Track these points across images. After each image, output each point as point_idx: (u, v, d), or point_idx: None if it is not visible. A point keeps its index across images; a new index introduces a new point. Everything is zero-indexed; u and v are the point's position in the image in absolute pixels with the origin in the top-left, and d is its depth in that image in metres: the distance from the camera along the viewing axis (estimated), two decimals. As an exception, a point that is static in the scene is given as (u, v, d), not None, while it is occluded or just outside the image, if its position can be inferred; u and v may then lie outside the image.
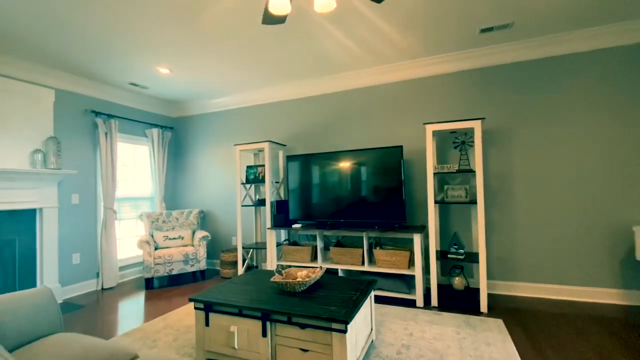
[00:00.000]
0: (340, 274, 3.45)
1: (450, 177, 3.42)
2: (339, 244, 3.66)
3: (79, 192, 3.85)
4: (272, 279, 2.24)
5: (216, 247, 4.84)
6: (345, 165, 3.59)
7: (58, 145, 3.49)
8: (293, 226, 3.70)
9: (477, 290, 3.15)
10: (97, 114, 4.00)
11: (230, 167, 4.75)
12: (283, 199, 4.22)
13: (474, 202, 3.01)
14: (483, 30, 2.96)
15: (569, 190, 3.09)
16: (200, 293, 2.27)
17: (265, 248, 3.90)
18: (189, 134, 5.12)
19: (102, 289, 3.97)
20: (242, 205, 4.04)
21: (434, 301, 3.01)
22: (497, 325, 2.56)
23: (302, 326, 1.88)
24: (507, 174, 3.29)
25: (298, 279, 2.28)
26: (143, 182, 4.73)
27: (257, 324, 1.99)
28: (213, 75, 3.86)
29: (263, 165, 4.07)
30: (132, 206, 4.57)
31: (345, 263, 3.45)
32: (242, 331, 2.03)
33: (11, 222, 3.20)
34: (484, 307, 2.87)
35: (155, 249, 4.11)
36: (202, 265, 4.15)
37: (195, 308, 2.18)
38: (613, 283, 2.95)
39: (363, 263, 3.39)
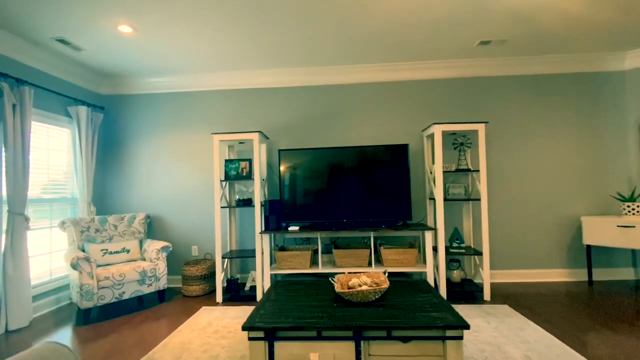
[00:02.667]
0: (346, 277, 3.21)
1: (447, 176, 3.61)
2: (336, 246, 3.43)
3: (-33, 190, 2.54)
4: (338, 290, 1.90)
5: (170, 259, 3.92)
6: (347, 162, 3.39)
7: (-61, 115, 2.22)
8: (289, 228, 3.28)
9: (471, 282, 3.39)
10: (2, 75, 2.74)
11: (190, 160, 3.93)
12: (266, 198, 3.72)
13: (472, 199, 3.25)
14: (481, 43, 3.22)
15: (536, 189, 3.63)
16: (250, 318, 1.74)
17: (249, 256, 3.34)
18: (127, 118, 4.02)
19: (7, 331, 2.70)
20: (222, 207, 3.37)
21: (443, 295, 3.10)
22: (510, 311, 2.79)
23: (405, 339, 1.63)
24: (490, 173, 3.67)
25: (363, 287, 1.99)
26: (60, 177, 3.47)
27: (346, 346, 1.64)
28: (187, 45, 3.12)
29: (247, 160, 3.49)
30: (45, 211, 3.29)
31: (350, 265, 3.23)
32: (326, 358, 1.63)
33: None
34: (487, 295, 3.10)
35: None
36: (163, 283, 3.28)
37: (251, 339, 1.66)
38: (568, 264, 3.60)
39: (370, 264, 3.24)
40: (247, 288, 3.45)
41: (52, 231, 3.37)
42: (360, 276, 2.10)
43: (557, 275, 3.59)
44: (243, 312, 2.95)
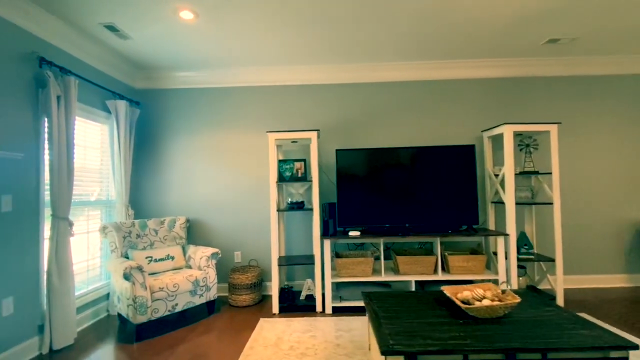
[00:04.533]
0: (413, 286, 3.03)
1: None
2: (395, 252, 3.24)
3: (12, 192, 2.24)
4: (465, 307, 1.71)
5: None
6: (409, 163, 3.21)
7: (-10, 106, 1.93)
8: (350, 233, 3.08)
9: (535, 288, 3.26)
10: (47, 63, 2.45)
11: (232, 160, 3.68)
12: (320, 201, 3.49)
13: (539, 202, 3.12)
14: (549, 41, 3.10)
15: (599, 192, 3.53)
16: (381, 339, 1.53)
17: (308, 263, 3.12)
18: (162, 114, 3.74)
19: (51, 351, 2.41)
20: (279, 210, 3.13)
21: (515, 304, 2.95)
22: (594, 320, 2.66)
23: (561, 363, 1.46)
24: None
25: (494, 303, 1.80)
26: (95, 177, 3.17)
27: (497, 371, 1.45)
28: (247, 35, 2.89)
29: (301, 160, 3.27)
30: (79, 215, 2.99)
31: (414, 273, 3.05)
32: (475, 385, 1.44)
33: None
34: (560, 303, 2.97)
35: (144, 277, 2.76)
36: (213, 293, 3.03)
37: (389, 364, 1.45)
38: (630, 269, 3.51)
39: (436, 271, 3.07)
40: (302, 297, 3.23)
41: (87, 237, 3.07)
42: (473, 288, 1.92)
43: (618, 280, 3.49)
44: (309, 324, 2.73)
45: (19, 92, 2.30)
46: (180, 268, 3.13)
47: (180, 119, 3.72)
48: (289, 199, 3.29)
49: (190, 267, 3.16)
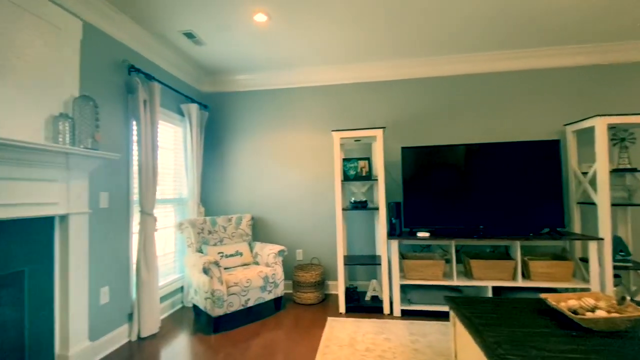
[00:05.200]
0: (489, 293, 2.84)
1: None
2: (468, 256, 3.06)
3: (109, 190, 2.44)
4: (579, 318, 1.54)
5: (272, 263, 3.72)
6: (481, 160, 3.02)
7: (95, 110, 2.12)
8: (418, 234, 2.96)
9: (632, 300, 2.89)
10: (135, 70, 2.64)
11: (293, 159, 3.72)
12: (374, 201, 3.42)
13: (635, 204, 2.76)
14: (650, 20, 2.74)
15: None
16: (489, 350, 1.42)
17: (373, 264, 3.05)
18: (227, 117, 3.89)
19: (139, 338, 2.59)
20: (344, 209, 3.10)
21: (611, 317, 2.64)
22: None
23: None
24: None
25: (612, 315, 1.61)
26: (170, 176, 3.36)
27: (630, 393, 1.27)
28: (316, 35, 2.89)
29: (366, 159, 3.22)
30: (157, 211, 3.19)
31: (490, 278, 2.86)
32: (604, 407, 1.28)
33: (16, 241, 1.76)
34: (668, 320, 2.60)
35: (218, 271, 2.88)
36: (281, 290, 3.07)
37: (499, 375, 1.34)
38: None
39: (515, 277, 2.84)
40: (367, 298, 3.17)
41: (164, 232, 3.27)
42: (580, 297, 1.73)
43: None
44: (380, 326, 2.66)
45: (113, 98, 2.51)
46: (248, 264, 3.22)
47: (245, 120, 3.84)
48: (352, 198, 3.25)
49: (257, 263, 3.25)
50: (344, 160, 3.23)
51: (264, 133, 3.80)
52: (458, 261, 3.24)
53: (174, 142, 3.45)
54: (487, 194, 2.99)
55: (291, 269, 3.65)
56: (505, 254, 3.09)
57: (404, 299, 3.03)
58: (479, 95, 3.41)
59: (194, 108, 3.40)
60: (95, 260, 2.30)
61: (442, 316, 2.85)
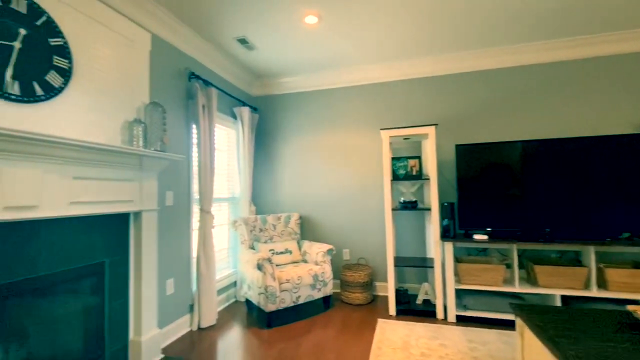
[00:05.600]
0: (557, 302, 2.61)
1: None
2: (532, 261, 2.83)
3: (173, 189, 2.63)
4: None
5: (319, 262, 3.76)
6: (545, 157, 2.78)
7: (163, 115, 2.29)
8: (475, 237, 2.81)
9: None
10: (195, 77, 2.82)
11: (339, 159, 3.73)
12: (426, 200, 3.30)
13: None
14: None
15: None
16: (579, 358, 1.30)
17: (424, 266, 2.95)
18: (274, 119, 4.01)
19: (199, 328, 2.75)
20: (393, 209, 3.04)
21: None
22: None
23: None
24: None
25: None
26: (223, 176, 3.54)
27: None
28: (365, 32, 2.87)
29: (416, 157, 3.13)
30: (214, 209, 3.36)
31: (558, 286, 2.62)
32: None
33: (98, 234, 1.96)
34: None
35: (270, 268, 2.97)
36: (329, 289, 3.09)
37: (582, 392, 1.22)
38: None
39: (588, 286, 2.58)
40: (419, 301, 3.07)
41: (217, 229, 3.44)
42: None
43: None
44: (434, 331, 2.56)
45: (176, 104, 2.69)
46: (297, 262, 3.28)
47: (292, 121, 3.92)
48: (402, 198, 3.17)
49: (306, 261, 3.30)
50: (393, 159, 3.16)
51: (311, 133, 3.85)
52: (520, 266, 3.02)
53: (227, 143, 3.63)
54: (553, 194, 2.75)
55: (338, 268, 3.66)
56: (575, 260, 2.82)
57: (459, 304, 2.89)
58: (542, 87, 3.15)
59: (245, 111, 3.55)
60: (162, 254, 2.49)
61: (502, 324, 2.67)
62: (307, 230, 3.82)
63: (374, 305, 3.21)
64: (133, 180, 2.10)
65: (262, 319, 2.89)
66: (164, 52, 2.57)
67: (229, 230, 3.56)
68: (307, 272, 2.91)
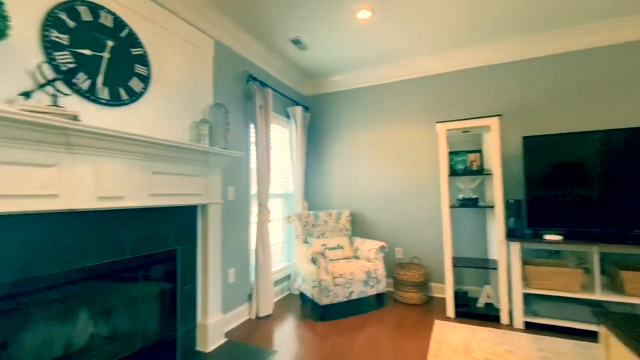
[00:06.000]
0: (651, 312, 2.27)
1: None
2: (617, 265, 2.50)
3: (234, 184, 2.80)
4: None
5: (371, 260, 3.72)
6: (630, 150, 2.44)
7: (226, 115, 2.45)
8: (546, 237, 2.56)
9: None
10: (253, 79, 2.97)
11: (391, 155, 3.65)
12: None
13: None
14: None
15: None
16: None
17: (486, 267, 2.76)
18: (324, 117, 4.05)
19: (257, 317, 2.90)
20: (451, 206, 2.90)
21: None
22: None
23: None
24: None
25: None
26: (277, 173, 3.66)
27: None
28: (417, 23, 2.77)
29: (476, 151, 2.94)
30: (270, 204, 3.49)
31: (652, 296, 2.27)
32: None
33: (171, 224, 2.16)
34: None
35: (323, 263, 3.01)
36: (382, 286, 3.04)
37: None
38: None
39: (692, 298, 2.21)
40: (480, 305, 2.89)
41: (271, 224, 3.58)
42: None
43: None
44: (499, 337, 2.39)
45: (236, 104, 2.86)
46: (349, 258, 3.29)
47: (342, 119, 3.94)
48: (460, 195, 3.00)
49: (357, 257, 3.29)
50: (451, 153, 3.01)
51: (361, 130, 3.82)
52: (601, 271, 2.69)
53: (281, 142, 3.76)
54: (637, 191, 2.40)
55: (390, 266, 3.59)
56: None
57: (527, 310, 2.66)
58: (624, 70, 2.76)
59: (298, 110, 3.64)
60: (224, 245, 2.66)
61: (577, 334, 2.40)
62: (358, 227, 3.80)
63: (430, 306, 3.09)
64: (200, 175, 2.28)
65: (316, 312, 2.95)
66: (225, 57, 2.74)
67: (283, 226, 3.69)
68: (359, 268, 2.90)
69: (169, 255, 2.17)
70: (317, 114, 4.11)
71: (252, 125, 3.04)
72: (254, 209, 3.04)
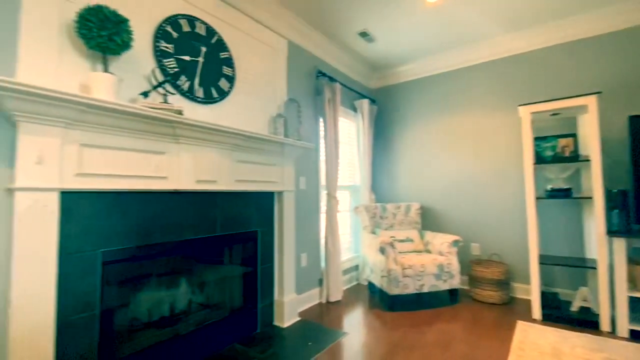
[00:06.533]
0: None
1: None
2: None
3: (305, 175, 2.97)
4: None
5: (443, 255, 3.57)
6: None
7: (298, 110, 2.62)
8: (664, 234, 2.16)
9: None
10: (322, 74, 3.10)
11: (464, 145, 3.44)
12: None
13: None
14: None
15: None
16: None
17: (580, 266, 2.43)
18: (392, 108, 4.00)
19: (328, 302, 3.02)
20: (536, 199, 2.64)
21: None
22: None
23: None
24: None
25: None
26: (345, 165, 3.74)
27: None
28: (489, 2, 2.58)
29: (569, 136, 2.62)
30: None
31: None
32: None
33: (253, 208, 2.39)
34: None
35: (391, 254, 3.00)
36: (456, 282, 2.89)
37: None
38: None
39: None
40: (574, 308, 2.57)
41: (339, 215, 3.67)
42: None
43: None
44: (597, 343, 2.10)
45: (306, 99, 3.02)
46: (419, 251, 3.21)
47: (410, 110, 3.85)
48: (548, 186, 2.69)
49: (429, 251, 3.19)
50: (536, 139, 2.73)
51: (430, 120, 3.68)
52: None
53: (348, 135, 3.84)
54: None
55: (466, 263, 3.39)
56: None
57: (634, 317, 2.28)
58: None
59: (365, 103, 3.68)
60: (297, 231, 2.84)
61: None
62: (428, 220, 3.67)
63: (511, 307, 2.85)
64: (276, 165, 2.48)
65: (384, 302, 2.95)
66: (297, 55, 2.93)
67: (351, 217, 3.76)
68: (431, 261, 2.82)
69: (251, 235, 2.41)
70: (384, 106, 4.08)
71: (321, 119, 3.17)
72: (323, 198, 3.16)
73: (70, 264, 1.45)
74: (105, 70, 1.54)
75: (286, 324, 2.46)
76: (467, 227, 3.40)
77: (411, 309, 2.82)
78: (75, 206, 1.47)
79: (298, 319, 2.58)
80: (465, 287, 3.34)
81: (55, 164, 1.36)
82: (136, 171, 1.63)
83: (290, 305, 2.52)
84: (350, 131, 3.85)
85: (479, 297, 2.99)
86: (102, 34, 1.46)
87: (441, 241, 3.01)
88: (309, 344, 2.18)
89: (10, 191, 1.32)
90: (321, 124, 3.19)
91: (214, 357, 2.02)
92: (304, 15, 2.79)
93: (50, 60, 1.43)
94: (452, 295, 2.95)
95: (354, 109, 3.79)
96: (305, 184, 2.95)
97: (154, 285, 1.96)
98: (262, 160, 2.36)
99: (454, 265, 2.89)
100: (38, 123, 1.32)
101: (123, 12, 1.71)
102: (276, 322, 2.49)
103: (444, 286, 2.85)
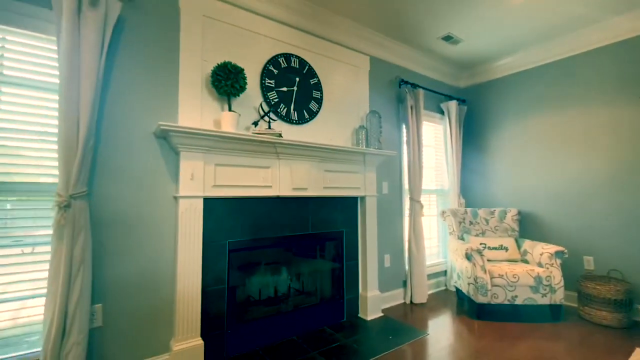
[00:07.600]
0: None
1: None
2: None
3: (387, 180, 3.16)
4: None
5: (546, 266, 3.24)
6: None
7: (379, 120, 2.84)
8: None
9: None
10: (404, 82, 3.23)
11: (575, 143, 3.05)
12: None
13: None
14: None
15: None
16: None
17: None
18: (485, 107, 3.80)
19: (412, 303, 3.14)
20: None
21: None
22: None
23: None
24: None
25: None
26: (430, 170, 3.74)
27: None
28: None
29: None
30: (423, 200, 3.63)
31: None
32: None
33: (339, 211, 2.72)
34: None
35: (480, 261, 2.92)
36: (559, 297, 2.63)
37: None
38: None
39: None
40: None
41: (428, 220, 3.69)
42: None
43: None
44: None
45: (388, 108, 3.21)
46: (515, 261, 3.02)
47: (506, 107, 3.59)
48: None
49: (526, 261, 2.97)
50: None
51: (531, 117, 3.37)
52: None
53: (434, 138, 3.83)
54: None
55: (575, 277, 3.01)
56: None
57: None
58: None
59: (452, 105, 3.62)
60: (380, 233, 3.05)
61: None
62: (527, 227, 3.38)
63: (632, 332, 2.45)
64: (359, 172, 2.76)
65: (471, 310, 2.90)
66: (378, 68, 3.14)
67: (438, 222, 3.75)
68: (526, 272, 2.65)
69: (337, 235, 2.75)
70: (475, 105, 3.91)
71: (404, 126, 3.30)
72: (407, 203, 3.28)
73: (209, 249, 2.03)
74: (229, 108, 2.09)
75: (370, 317, 2.71)
76: (578, 237, 3.02)
77: (502, 319, 2.71)
78: (212, 208, 2.05)
79: (381, 314, 2.80)
80: (572, 304, 2.97)
81: (200, 178, 1.95)
82: (250, 182, 2.15)
83: (373, 301, 2.75)
84: (437, 134, 3.83)
85: (590, 317, 2.65)
86: (227, 83, 2.00)
87: (541, 251, 2.78)
88: (390, 337, 2.38)
89: (176, 198, 1.95)
90: (404, 130, 3.31)
91: (308, 334, 2.43)
92: (383, 30, 2.98)
93: (196, 106, 2.05)
94: (554, 311, 2.69)
95: (441, 111, 3.76)
96: (387, 189, 3.13)
97: (263, 271, 2.48)
98: (346, 168, 2.67)
99: (557, 278, 2.64)
100: (191, 151, 1.92)
101: (240, 62, 2.26)
102: (360, 315, 2.76)
103: (543, 300, 2.64)
